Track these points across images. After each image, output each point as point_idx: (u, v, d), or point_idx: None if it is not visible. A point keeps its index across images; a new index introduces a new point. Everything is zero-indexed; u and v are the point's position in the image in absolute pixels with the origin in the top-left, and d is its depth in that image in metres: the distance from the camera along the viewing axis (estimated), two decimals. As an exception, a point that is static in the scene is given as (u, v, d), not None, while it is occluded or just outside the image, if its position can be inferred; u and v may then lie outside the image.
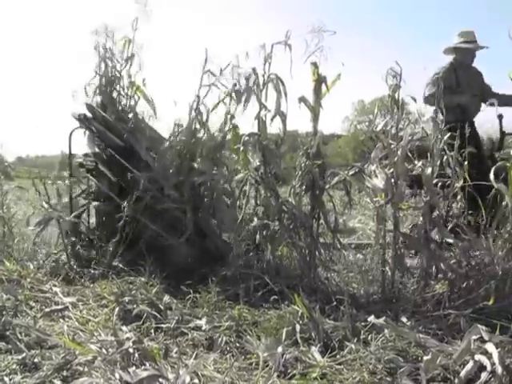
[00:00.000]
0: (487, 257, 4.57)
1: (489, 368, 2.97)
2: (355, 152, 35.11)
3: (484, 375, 2.94)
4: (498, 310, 4.04)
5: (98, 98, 6.75)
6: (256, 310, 4.35)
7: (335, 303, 4.27)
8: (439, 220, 4.74)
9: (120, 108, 6.75)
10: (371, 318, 3.81)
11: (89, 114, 6.47)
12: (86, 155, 6.73)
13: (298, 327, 3.79)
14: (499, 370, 2.92)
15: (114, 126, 6.40)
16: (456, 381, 3.02)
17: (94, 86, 6.80)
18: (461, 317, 3.88)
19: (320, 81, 5.05)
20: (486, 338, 3.20)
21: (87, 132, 6.55)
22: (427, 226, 4.63)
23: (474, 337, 3.24)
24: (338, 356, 3.46)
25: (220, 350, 3.64)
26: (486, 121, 8.34)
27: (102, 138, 6.45)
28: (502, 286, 4.34)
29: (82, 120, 6.43)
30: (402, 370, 3.15)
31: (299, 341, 3.67)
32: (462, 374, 3.04)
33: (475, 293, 4.32)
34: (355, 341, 3.61)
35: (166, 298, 4.50)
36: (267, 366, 3.30)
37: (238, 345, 3.72)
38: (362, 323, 3.89)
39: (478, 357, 3.08)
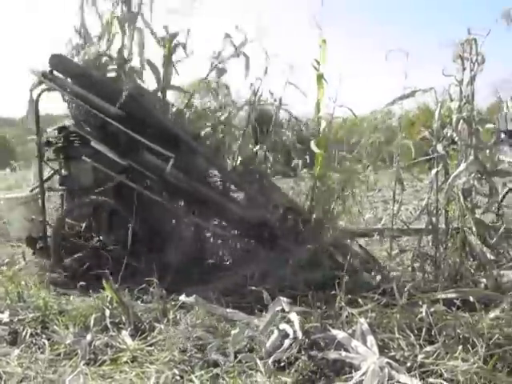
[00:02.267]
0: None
1: (291, 335, 3.21)
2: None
3: (287, 342, 3.16)
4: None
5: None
6: (63, 298, 4.16)
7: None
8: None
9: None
10: (182, 297, 3.86)
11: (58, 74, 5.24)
12: (62, 128, 5.32)
13: (107, 312, 3.70)
14: (300, 335, 3.18)
15: (103, 85, 5.20)
16: (263, 350, 3.20)
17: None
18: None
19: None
20: (286, 309, 3.44)
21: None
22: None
23: (278, 308, 3.47)
24: (148, 338, 3.46)
25: (25, 343, 3.42)
26: None
27: (84, 104, 5.16)
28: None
29: (50, 78, 5.13)
30: (210, 345, 3.25)
31: (109, 326, 3.59)
32: (268, 343, 3.23)
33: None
34: (165, 321, 3.65)
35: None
36: (76, 354, 3.19)
37: (44, 336, 3.52)
38: (173, 303, 3.94)
39: (282, 326, 3.31)
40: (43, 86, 5.26)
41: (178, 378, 3.01)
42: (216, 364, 3.13)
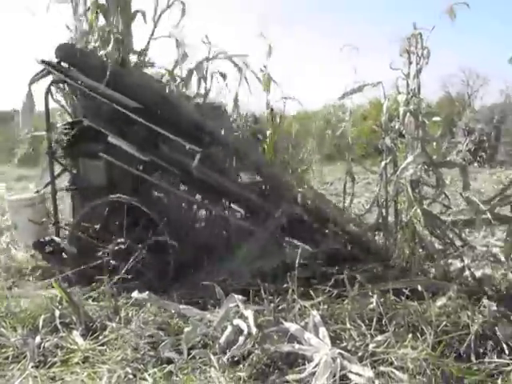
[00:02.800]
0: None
1: (246, 331, 3.21)
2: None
3: (241, 339, 3.17)
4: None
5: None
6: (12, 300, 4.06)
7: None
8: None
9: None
10: (134, 294, 3.81)
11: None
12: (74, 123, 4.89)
13: (57, 313, 3.63)
14: (254, 330, 3.19)
15: (120, 77, 4.77)
16: (216, 346, 3.20)
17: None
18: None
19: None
20: (240, 304, 3.45)
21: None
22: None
23: (231, 304, 3.47)
24: (100, 337, 3.41)
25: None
26: None
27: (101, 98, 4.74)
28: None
29: (59, 69, 4.72)
30: (163, 343, 3.23)
31: (59, 327, 3.52)
32: (222, 339, 3.22)
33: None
34: (117, 320, 3.60)
35: None
36: (24, 357, 3.12)
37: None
38: (125, 300, 3.89)
39: (236, 321, 3.31)
40: (47, 79, 4.95)
41: (131, 376, 2.99)
42: (170, 361, 3.12)
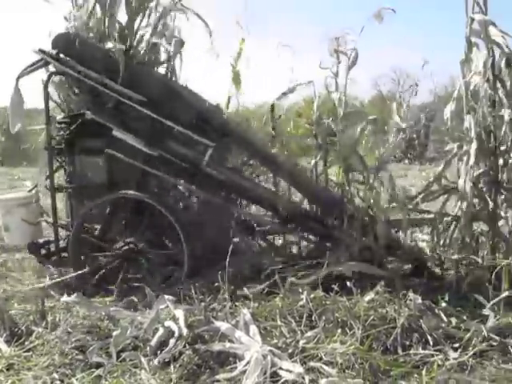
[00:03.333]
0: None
1: (177, 332, 3.18)
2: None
3: (172, 341, 3.13)
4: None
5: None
6: None
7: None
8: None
9: None
10: (63, 298, 3.71)
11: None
12: (75, 116, 4.62)
13: (-21, 318, 3.48)
14: (185, 331, 3.16)
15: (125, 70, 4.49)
16: (147, 348, 3.15)
17: None
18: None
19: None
20: (170, 305, 3.42)
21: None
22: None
23: (162, 306, 3.44)
24: (26, 343, 3.30)
25: None
26: None
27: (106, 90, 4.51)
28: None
29: (58, 59, 4.45)
30: (91, 348, 3.15)
31: (-19, 334, 3.38)
32: (153, 341, 3.18)
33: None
34: (44, 324, 3.50)
35: None
36: None
37: None
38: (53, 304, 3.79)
39: (167, 323, 3.28)
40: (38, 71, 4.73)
41: (58, 382, 2.91)
42: (99, 365, 3.05)
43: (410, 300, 3.50)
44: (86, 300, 3.74)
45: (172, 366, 2.97)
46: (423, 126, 20.52)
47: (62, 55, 4.62)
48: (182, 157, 4.62)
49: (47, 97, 4.69)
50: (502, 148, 4.26)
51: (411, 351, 3.14)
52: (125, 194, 4.47)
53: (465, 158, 4.18)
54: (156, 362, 3.01)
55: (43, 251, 4.85)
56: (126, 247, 4.56)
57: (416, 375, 2.93)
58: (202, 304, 3.43)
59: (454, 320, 3.48)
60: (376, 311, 3.41)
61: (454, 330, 3.37)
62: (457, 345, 3.23)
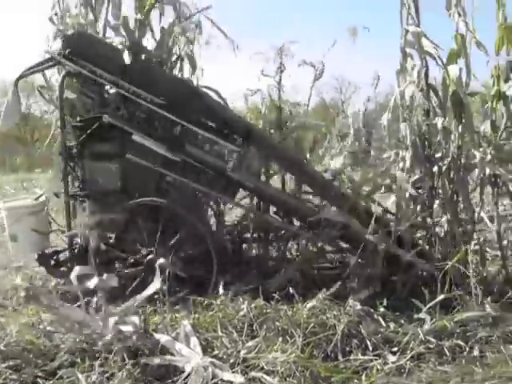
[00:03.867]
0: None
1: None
2: None
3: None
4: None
5: None
6: None
7: None
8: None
9: None
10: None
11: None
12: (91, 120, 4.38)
13: None
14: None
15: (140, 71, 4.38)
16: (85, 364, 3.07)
17: None
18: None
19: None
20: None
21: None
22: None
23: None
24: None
25: None
26: None
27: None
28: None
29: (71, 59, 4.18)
30: (27, 365, 3.05)
31: None
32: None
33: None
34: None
35: None
36: None
37: None
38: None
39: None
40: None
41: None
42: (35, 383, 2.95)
43: (350, 306, 3.56)
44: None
45: (111, 381, 2.90)
46: (366, 133, 20.94)
47: (75, 56, 4.37)
48: (205, 162, 4.51)
49: (62, 98, 4.48)
50: (438, 155, 4.40)
51: (351, 357, 3.19)
52: (153, 202, 4.30)
53: (401, 165, 4.30)
54: (94, 376, 2.93)
55: (52, 262, 4.60)
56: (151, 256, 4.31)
57: (356, 380, 2.97)
58: (142, 316, 3.37)
59: (392, 324, 3.56)
60: (317, 318, 3.44)
61: (393, 334, 3.44)
62: (395, 349, 3.31)
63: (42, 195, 4.91)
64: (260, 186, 4.81)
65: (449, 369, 3.12)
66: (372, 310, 3.62)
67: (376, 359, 3.15)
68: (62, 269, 4.54)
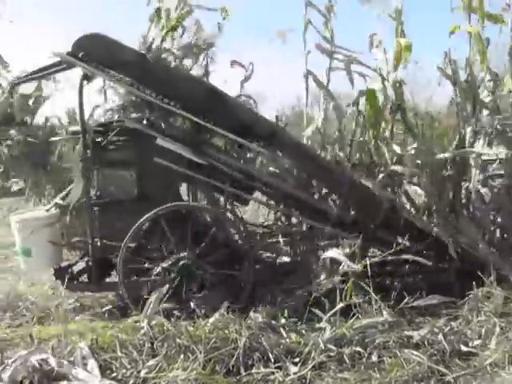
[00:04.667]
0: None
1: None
2: None
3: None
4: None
5: None
6: None
7: None
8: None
9: None
10: None
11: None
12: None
13: None
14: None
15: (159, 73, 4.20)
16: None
17: None
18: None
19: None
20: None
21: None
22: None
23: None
24: None
25: None
26: None
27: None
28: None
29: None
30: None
31: None
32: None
33: None
34: None
35: None
36: None
37: None
38: None
39: None
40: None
41: None
42: None
43: (251, 319, 3.56)
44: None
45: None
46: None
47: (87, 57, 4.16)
48: (230, 165, 4.40)
49: (81, 102, 4.24)
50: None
51: (253, 370, 3.20)
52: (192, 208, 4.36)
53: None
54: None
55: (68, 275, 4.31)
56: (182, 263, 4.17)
57: (258, 395, 2.98)
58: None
59: (293, 335, 3.59)
60: (218, 333, 3.41)
61: (294, 345, 3.47)
62: (297, 359, 3.34)
63: (53, 206, 4.71)
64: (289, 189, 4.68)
65: (348, 376, 3.21)
66: (273, 322, 3.65)
67: (277, 371, 3.17)
68: (76, 281, 4.37)
